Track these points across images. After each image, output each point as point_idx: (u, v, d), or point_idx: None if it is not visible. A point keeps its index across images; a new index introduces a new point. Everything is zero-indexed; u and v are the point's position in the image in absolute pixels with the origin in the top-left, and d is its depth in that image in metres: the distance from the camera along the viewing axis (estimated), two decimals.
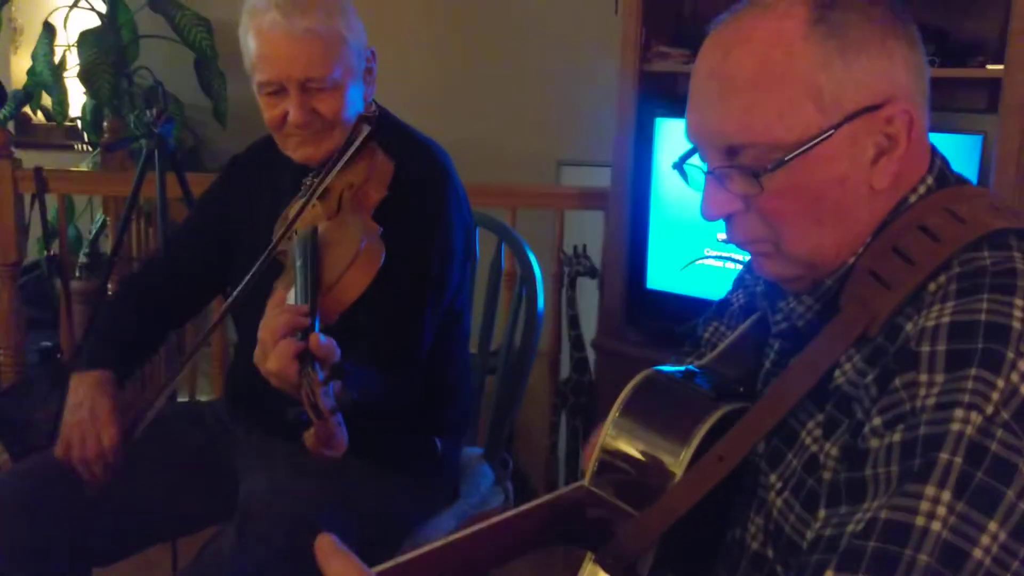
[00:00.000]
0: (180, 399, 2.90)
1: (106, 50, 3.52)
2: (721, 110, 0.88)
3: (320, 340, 1.15)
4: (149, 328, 1.69)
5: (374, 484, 1.54)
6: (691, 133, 0.92)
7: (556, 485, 2.88)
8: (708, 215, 0.92)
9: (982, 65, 2.03)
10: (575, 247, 2.73)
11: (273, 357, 1.16)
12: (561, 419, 2.84)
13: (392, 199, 1.45)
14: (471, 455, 1.86)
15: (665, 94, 2.58)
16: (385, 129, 1.59)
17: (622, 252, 2.58)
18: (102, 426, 1.47)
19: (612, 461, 0.99)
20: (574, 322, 2.72)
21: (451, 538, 0.88)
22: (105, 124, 3.14)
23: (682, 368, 1.04)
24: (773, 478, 0.93)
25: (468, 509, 1.72)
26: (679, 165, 0.96)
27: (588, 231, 2.87)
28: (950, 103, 2.21)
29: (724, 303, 1.21)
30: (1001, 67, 1.94)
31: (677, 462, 0.93)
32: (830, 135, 0.85)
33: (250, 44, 1.49)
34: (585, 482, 1.00)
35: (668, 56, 2.46)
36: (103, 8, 3.69)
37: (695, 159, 0.95)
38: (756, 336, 1.08)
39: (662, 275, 2.55)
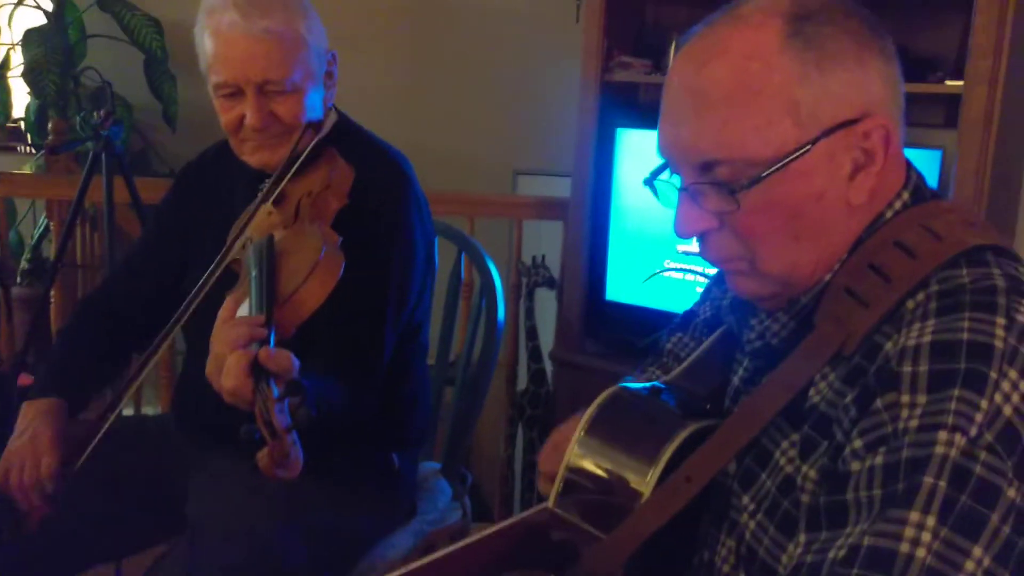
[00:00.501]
0: (125, 411, 2.81)
1: (52, 49, 3.42)
2: (696, 125, 0.85)
3: (273, 354, 1.10)
4: (109, 352, 1.63)
5: (329, 500, 1.50)
6: (664, 148, 0.90)
7: (512, 498, 2.84)
8: (682, 233, 0.89)
9: (941, 80, 2.05)
10: (533, 257, 2.71)
11: (228, 373, 1.11)
12: (517, 431, 2.81)
13: (353, 207, 1.41)
14: (428, 470, 1.82)
15: (626, 104, 2.57)
16: (346, 135, 1.55)
17: (581, 263, 2.56)
18: (41, 454, 1.42)
19: (578, 481, 0.97)
20: (532, 333, 2.70)
21: (411, 567, 0.85)
22: (50, 125, 3.04)
23: (648, 385, 1.02)
24: (746, 499, 0.91)
25: (425, 526, 1.68)
26: (650, 181, 0.93)
27: (546, 241, 2.85)
28: (909, 118, 2.22)
29: (690, 314, 1.19)
30: (960, 83, 1.96)
31: (644, 482, 0.91)
32: (807, 150, 0.83)
33: (206, 44, 1.44)
34: (549, 504, 0.98)
35: (630, 66, 2.45)
36: (49, 6, 3.59)
37: (666, 175, 0.92)
38: (723, 351, 1.06)
39: (621, 287, 2.53)
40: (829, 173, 0.85)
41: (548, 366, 2.72)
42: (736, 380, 1.01)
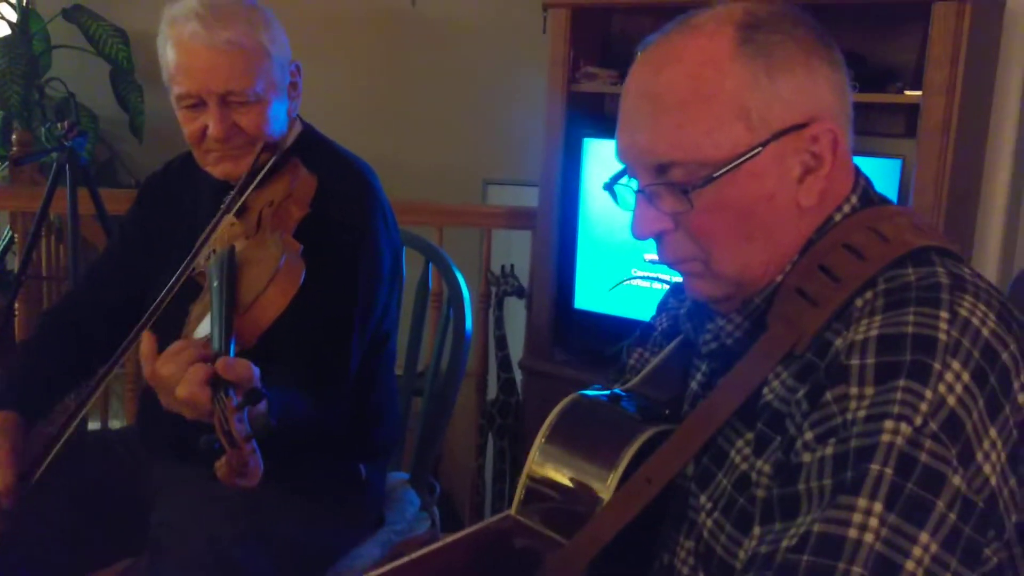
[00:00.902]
0: (91, 424, 2.79)
1: (16, 60, 3.40)
2: (652, 129, 0.88)
3: (229, 363, 1.10)
4: (72, 365, 1.60)
5: (294, 512, 1.49)
6: (621, 152, 0.93)
7: (483, 508, 2.84)
8: (638, 234, 0.92)
9: (900, 91, 2.08)
10: (503, 266, 2.71)
11: (183, 385, 1.10)
12: (488, 441, 2.81)
13: (316, 216, 1.41)
14: (396, 480, 1.82)
15: (593, 114, 2.58)
16: (310, 146, 1.55)
17: (550, 272, 2.56)
18: None
19: (539, 488, 0.97)
20: (501, 342, 2.70)
21: (372, 575, 0.85)
22: (14, 137, 3.01)
23: (607, 392, 1.03)
24: (703, 499, 0.92)
25: (393, 536, 1.68)
26: (610, 186, 0.96)
27: (516, 251, 2.85)
28: (869, 128, 2.26)
29: (648, 328, 1.21)
30: (919, 93, 1.99)
31: (604, 487, 0.92)
32: (758, 152, 0.86)
33: (169, 55, 1.44)
34: (512, 511, 0.98)
35: (596, 76, 2.46)
36: (14, 17, 3.56)
37: (625, 179, 0.95)
38: (681, 358, 1.08)
39: (590, 295, 2.55)
40: (779, 175, 0.88)
41: (518, 375, 2.72)
42: (694, 385, 1.02)
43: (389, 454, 1.70)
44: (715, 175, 0.86)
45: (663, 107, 0.87)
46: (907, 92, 2.06)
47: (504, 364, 2.71)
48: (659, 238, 0.92)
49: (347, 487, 1.58)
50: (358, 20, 3.52)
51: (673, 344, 1.10)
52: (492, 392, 2.79)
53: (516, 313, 2.82)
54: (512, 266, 2.72)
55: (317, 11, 3.43)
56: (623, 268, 2.44)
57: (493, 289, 2.70)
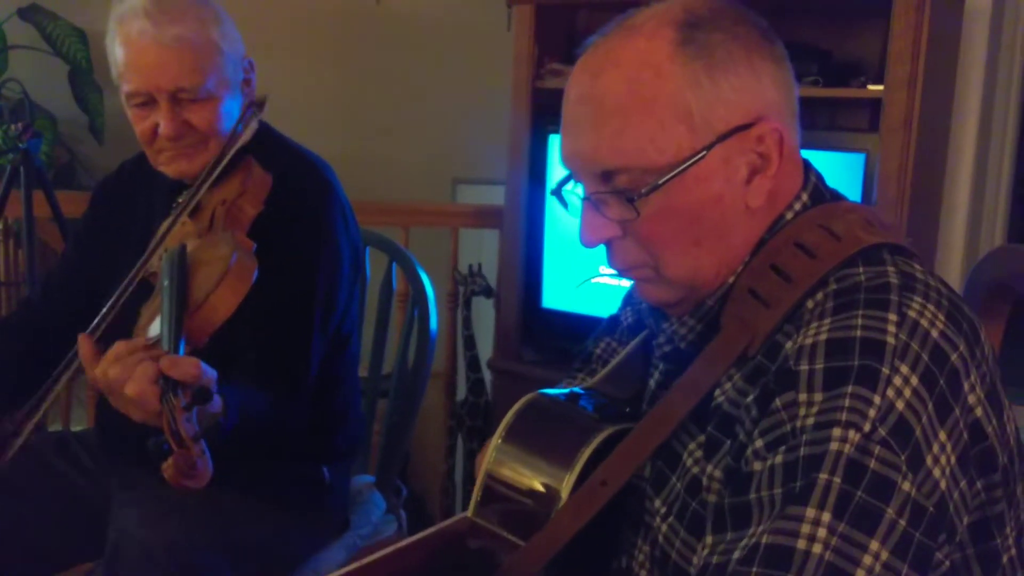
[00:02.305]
0: (52, 429, 2.74)
1: None
2: (593, 135, 0.87)
3: (174, 360, 1.08)
4: (31, 371, 1.55)
5: (256, 517, 1.47)
6: (566, 159, 0.91)
7: (453, 510, 2.82)
8: (586, 241, 0.91)
9: (863, 85, 2.09)
10: (470, 266, 2.69)
11: (130, 384, 1.09)
12: (458, 442, 2.79)
13: (273, 214, 1.39)
14: (362, 483, 1.79)
15: (559, 111, 2.56)
16: (265, 143, 1.53)
17: (517, 271, 2.55)
18: None
19: (496, 489, 0.97)
20: (470, 342, 2.68)
21: None
22: None
23: (566, 391, 1.02)
24: (658, 503, 0.91)
25: (358, 540, 1.66)
26: (557, 191, 0.95)
27: (486, 250, 2.84)
28: (833, 122, 2.27)
29: (614, 320, 1.19)
30: (882, 87, 1.99)
31: (561, 487, 0.91)
32: (702, 156, 0.85)
33: (117, 53, 1.42)
34: (469, 513, 0.97)
35: (561, 73, 2.45)
36: None
37: (571, 185, 0.94)
38: (644, 355, 1.07)
39: (557, 294, 2.53)
40: (726, 178, 0.86)
41: (487, 375, 2.71)
42: (652, 384, 1.01)
43: (353, 457, 1.68)
44: (660, 182, 0.84)
45: (603, 113, 0.86)
46: (870, 87, 2.07)
47: (472, 364, 2.69)
48: (608, 245, 0.91)
49: (310, 491, 1.55)
50: (323, 17, 3.49)
51: (636, 340, 1.09)
52: (461, 393, 2.77)
53: (485, 313, 2.81)
54: (480, 265, 2.70)
55: (281, 8, 3.40)
56: (590, 266, 2.43)
57: (461, 289, 2.69)
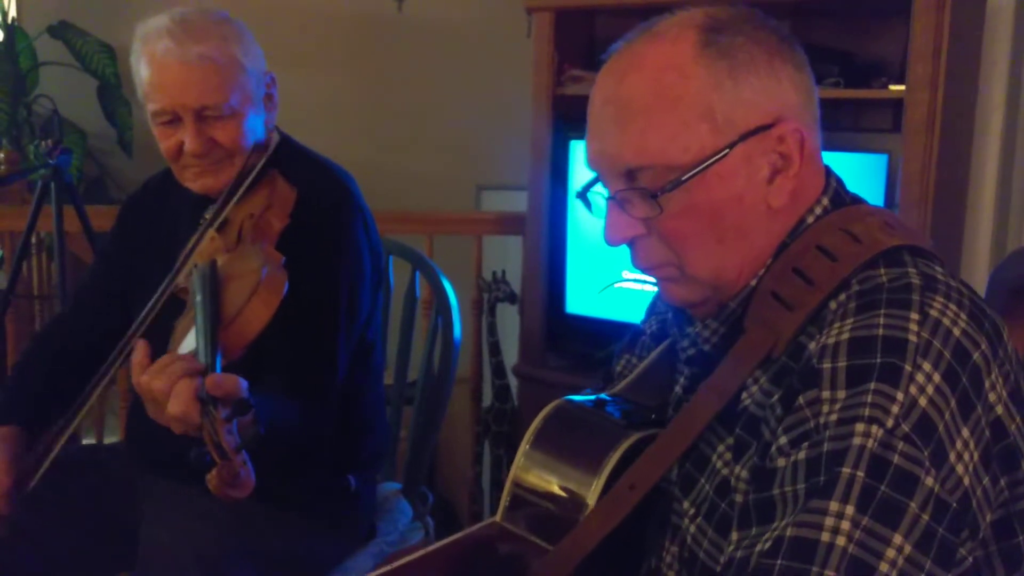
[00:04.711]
0: (86, 440, 2.78)
1: (3, 78, 3.39)
2: (618, 135, 0.89)
3: (217, 379, 1.10)
4: (64, 386, 1.59)
5: (284, 526, 1.49)
6: (591, 160, 0.93)
7: (481, 516, 2.83)
8: (611, 240, 0.92)
9: (885, 86, 2.08)
10: (494, 272, 2.70)
11: (174, 399, 1.11)
12: (484, 448, 2.80)
13: (296, 226, 1.41)
14: (388, 491, 1.81)
15: (579, 117, 2.53)
16: (288, 156, 1.55)
17: (540, 277, 2.56)
18: None
19: (524, 494, 0.98)
20: (495, 349, 2.69)
21: None
22: (1, 155, 3.00)
23: (593, 397, 1.03)
24: (686, 504, 0.92)
25: (386, 547, 1.67)
26: (583, 194, 0.96)
27: (511, 256, 2.85)
28: (856, 123, 2.26)
29: (636, 334, 1.21)
30: (903, 87, 1.98)
31: (589, 492, 0.93)
32: (725, 155, 0.87)
33: (142, 72, 1.45)
34: (497, 518, 0.98)
35: (582, 79, 2.46)
36: (0, 35, 3.56)
37: (597, 187, 0.95)
38: (668, 362, 1.08)
39: (581, 299, 2.54)
40: (747, 176, 0.88)
41: (512, 382, 2.71)
42: (678, 389, 1.02)
43: (378, 465, 1.69)
44: (683, 178, 0.86)
45: (628, 113, 0.88)
46: (892, 87, 2.05)
47: (498, 371, 2.70)
48: (632, 244, 0.93)
49: (337, 500, 1.57)
50: (344, 26, 3.52)
51: (661, 347, 1.10)
52: (487, 400, 2.78)
53: (511, 319, 2.82)
54: (503, 272, 2.71)
55: (302, 16, 3.43)
56: (613, 271, 2.43)
57: (485, 295, 2.70)
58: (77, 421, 1.42)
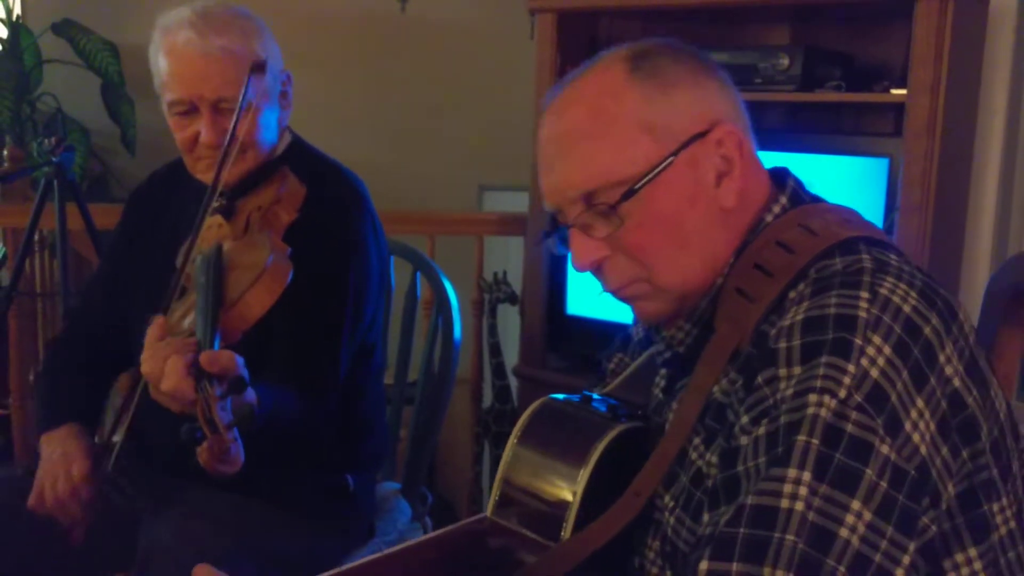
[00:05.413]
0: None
1: (6, 76, 3.40)
2: (567, 164, 0.94)
3: (212, 355, 1.12)
4: (92, 384, 1.64)
5: (283, 527, 1.50)
6: (547, 197, 0.98)
7: None
8: (580, 265, 0.96)
9: (887, 89, 2.07)
10: (495, 273, 2.71)
11: (167, 375, 1.13)
12: (484, 449, 2.80)
13: (306, 224, 1.43)
14: (388, 490, 1.81)
15: None
16: (299, 155, 1.56)
17: (541, 278, 2.55)
18: (72, 461, 1.45)
19: (513, 489, 1.00)
20: (495, 350, 2.69)
21: (342, 569, 0.88)
22: (4, 153, 3.01)
23: (578, 395, 1.06)
24: (667, 498, 0.95)
25: (384, 547, 1.67)
26: (547, 235, 1.01)
27: (513, 257, 2.85)
28: (857, 127, 2.25)
29: (627, 336, 1.23)
30: (905, 91, 1.98)
31: (575, 484, 0.95)
32: (670, 162, 0.92)
33: (161, 63, 1.46)
34: (488, 513, 1.01)
35: None
36: (4, 32, 3.57)
37: (558, 225, 0.99)
38: (653, 367, 1.10)
39: (582, 300, 2.54)
40: (696, 181, 0.93)
41: (513, 382, 2.72)
42: (657, 391, 1.06)
43: (377, 466, 1.70)
44: (636, 187, 0.91)
45: (572, 143, 0.93)
46: (894, 91, 2.05)
47: (498, 372, 2.71)
48: (600, 268, 0.96)
49: (335, 500, 1.58)
50: (348, 26, 3.53)
51: (647, 353, 1.13)
52: (488, 400, 2.79)
53: (511, 320, 2.82)
54: (505, 273, 2.71)
55: (306, 17, 3.44)
56: None
57: (486, 296, 2.70)
58: (133, 407, 1.41)
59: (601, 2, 2.43)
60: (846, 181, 2.11)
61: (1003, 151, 2.19)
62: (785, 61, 2.07)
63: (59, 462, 1.46)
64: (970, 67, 2.11)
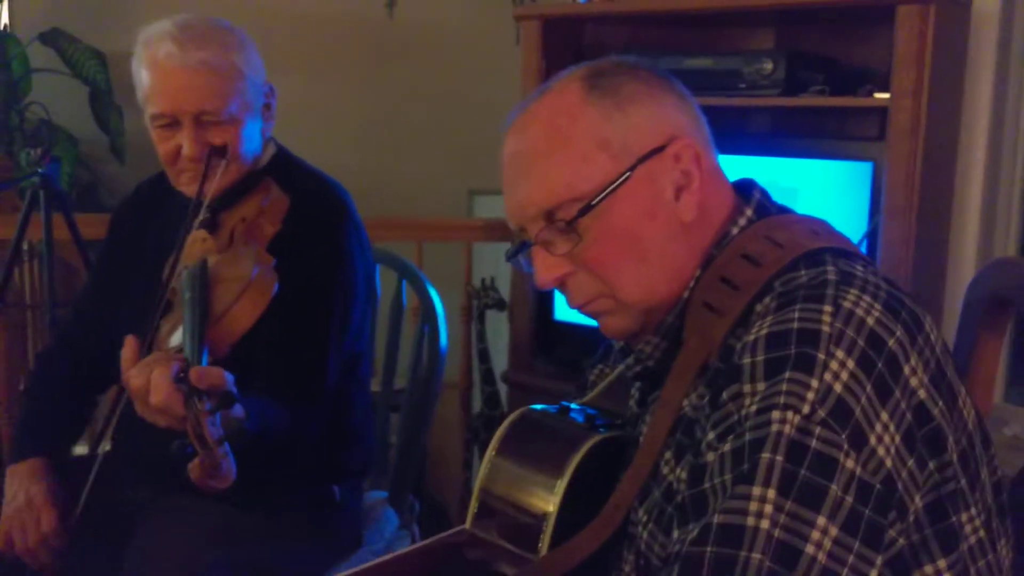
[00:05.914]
0: (79, 449, 2.78)
1: None
2: (526, 183, 0.95)
3: (201, 371, 1.12)
4: (77, 402, 1.64)
5: (269, 537, 1.50)
6: (510, 217, 0.99)
7: None
8: (542, 282, 0.97)
9: (870, 93, 2.08)
10: (483, 280, 2.71)
11: (154, 390, 1.13)
12: (475, 454, 2.80)
13: (290, 235, 1.43)
14: (375, 499, 1.81)
15: None
16: (283, 166, 1.56)
17: (529, 284, 2.55)
18: (39, 512, 1.46)
19: (491, 501, 1.00)
20: (484, 356, 2.70)
21: None
22: None
23: (556, 405, 1.06)
24: (641, 513, 0.95)
25: (371, 557, 1.67)
26: (513, 256, 1.01)
27: (501, 263, 2.85)
28: (841, 131, 2.26)
29: (608, 347, 1.23)
30: (888, 95, 1.99)
31: (553, 494, 0.95)
32: (627, 177, 0.92)
33: (143, 75, 1.46)
34: (467, 525, 1.01)
35: None
36: None
37: (524, 236, 1.00)
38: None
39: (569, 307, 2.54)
40: (654, 196, 0.93)
41: (502, 388, 2.72)
42: (631, 404, 1.06)
43: (364, 475, 1.70)
44: (593, 203, 0.92)
45: (531, 161, 0.95)
46: (877, 95, 2.06)
47: (487, 377, 2.71)
48: (564, 285, 0.97)
49: (321, 510, 1.58)
50: (335, 31, 3.52)
51: (625, 363, 1.12)
52: (477, 406, 2.79)
53: (500, 326, 2.82)
54: (493, 279, 2.71)
55: (293, 21, 3.44)
56: None
57: (474, 303, 2.70)
58: (105, 441, 1.43)
59: (585, 9, 2.44)
60: (831, 185, 2.12)
61: (987, 154, 2.19)
62: (769, 66, 2.08)
63: (25, 509, 1.46)
64: (953, 70, 2.12)
